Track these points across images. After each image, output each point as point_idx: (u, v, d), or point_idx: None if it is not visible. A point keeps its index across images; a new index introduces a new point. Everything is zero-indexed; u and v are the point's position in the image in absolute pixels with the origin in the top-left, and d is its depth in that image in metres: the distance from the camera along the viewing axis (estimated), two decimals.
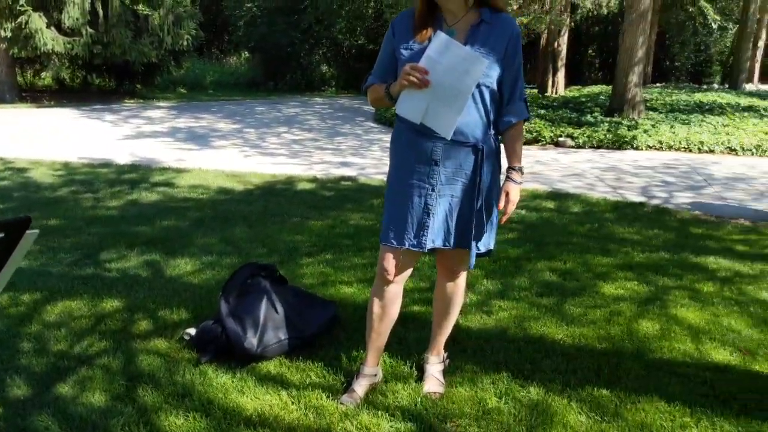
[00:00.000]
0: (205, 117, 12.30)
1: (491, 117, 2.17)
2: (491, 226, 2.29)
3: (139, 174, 6.79)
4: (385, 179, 2.39)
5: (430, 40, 2.04)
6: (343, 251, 4.21)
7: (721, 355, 2.83)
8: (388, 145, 2.40)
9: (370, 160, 8.17)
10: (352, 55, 23.43)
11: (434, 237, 2.23)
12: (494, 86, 2.12)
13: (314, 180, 6.80)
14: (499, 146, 2.27)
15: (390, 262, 2.27)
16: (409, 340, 2.86)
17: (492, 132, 2.20)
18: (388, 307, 2.37)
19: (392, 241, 2.24)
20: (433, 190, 2.17)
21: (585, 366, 2.69)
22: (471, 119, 2.10)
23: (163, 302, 3.26)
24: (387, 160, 7.86)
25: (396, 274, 2.30)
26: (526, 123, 2.31)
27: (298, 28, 20.14)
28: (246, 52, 24.29)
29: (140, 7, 14.31)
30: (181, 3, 14.51)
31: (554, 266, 4.00)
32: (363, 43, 22.85)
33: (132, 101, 14.74)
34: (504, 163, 2.26)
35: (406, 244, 2.22)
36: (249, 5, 21.92)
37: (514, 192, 2.19)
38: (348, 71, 22.80)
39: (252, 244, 4.33)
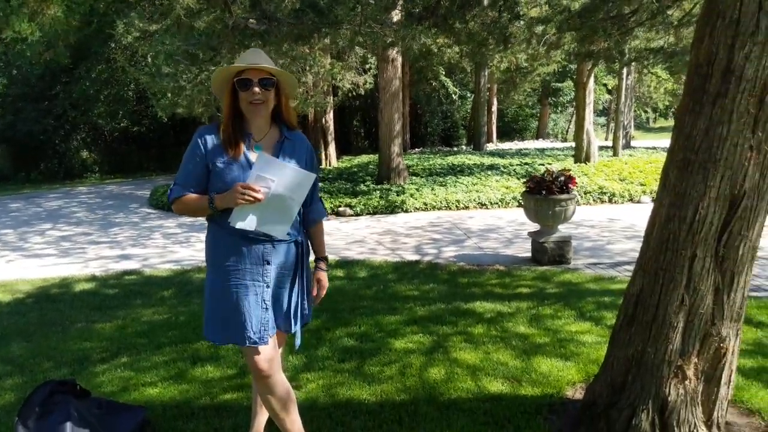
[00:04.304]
0: None
1: (300, 216, 2.45)
2: (310, 304, 2.54)
3: None
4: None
5: (245, 156, 2.26)
6: (141, 351, 4.09)
7: (494, 386, 3.35)
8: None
9: (153, 249, 7.86)
10: (115, 139, 22.39)
11: (272, 326, 2.37)
12: None
13: (93, 278, 6.42)
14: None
15: (259, 358, 2.32)
16: (226, 428, 2.93)
17: (301, 228, 2.48)
18: (285, 398, 2.42)
19: (247, 339, 2.29)
20: (268, 286, 2.34)
21: (388, 418, 3.00)
22: None
23: None
24: (172, 248, 7.67)
25: (270, 367, 2.36)
26: None
27: (50, 114, 18.77)
28: None
29: None
30: None
31: (351, 331, 4.33)
32: (126, 125, 22.02)
33: None
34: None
35: (247, 342, 2.30)
36: None
37: (326, 279, 2.54)
38: (112, 155, 21.71)
39: (35, 360, 4.00)
